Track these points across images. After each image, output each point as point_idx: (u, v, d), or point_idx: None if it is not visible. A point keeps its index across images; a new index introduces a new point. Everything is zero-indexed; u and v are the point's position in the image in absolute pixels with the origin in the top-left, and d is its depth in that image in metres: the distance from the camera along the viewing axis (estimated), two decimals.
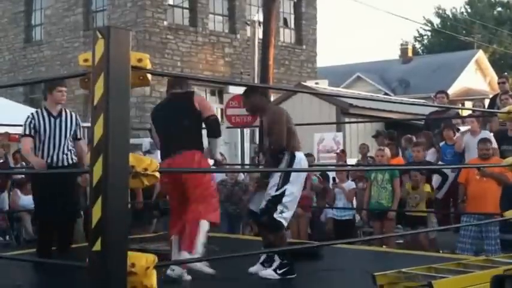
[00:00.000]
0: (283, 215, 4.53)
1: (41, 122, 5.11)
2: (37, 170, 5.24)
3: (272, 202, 4.52)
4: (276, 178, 4.56)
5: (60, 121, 5.16)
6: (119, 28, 2.26)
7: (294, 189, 4.56)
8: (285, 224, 4.62)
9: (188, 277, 4.24)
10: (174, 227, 4.55)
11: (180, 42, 17.90)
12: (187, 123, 4.45)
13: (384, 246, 6.99)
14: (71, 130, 5.24)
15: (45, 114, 5.14)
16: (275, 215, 4.51)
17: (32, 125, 5.10)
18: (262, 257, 4.69)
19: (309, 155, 8.54)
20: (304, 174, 4.81)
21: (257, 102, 4.72)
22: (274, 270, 4.58)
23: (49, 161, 5.10)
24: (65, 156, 5.16)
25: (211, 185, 4.62)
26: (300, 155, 4.64)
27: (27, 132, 5.12)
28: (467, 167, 6.89)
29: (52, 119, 5.13)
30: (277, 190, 4.51)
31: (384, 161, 7.10)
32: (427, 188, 7.06)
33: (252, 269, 4.65)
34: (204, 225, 4.31)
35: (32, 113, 5.23)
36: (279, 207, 4.50)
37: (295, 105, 12.06)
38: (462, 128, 7.70)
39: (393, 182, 7.02)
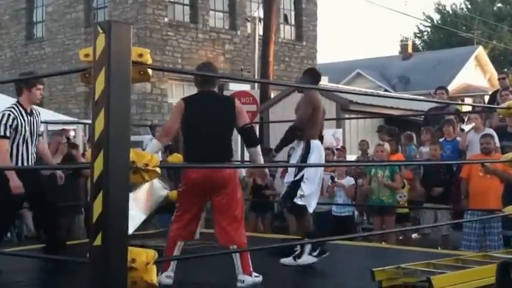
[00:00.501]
0: (304, 200, 4.73)
1: (21, 120, 4.65)
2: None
3: (292, 188, 4.74)
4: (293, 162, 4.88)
5: (33, 119, 4.75)
6: (120, 22, 2.26)
7: (311, 175, 4.78)
8: (309, 209, 4.81)
9: (259, 278, 4.09)
10: (181, 230, 4.17)
11: (180, 39, 17.90)
12: (229, 132, 4.16)
13: (383, 243, 7.00)
14: (39, 128, 4.89)
15: (22, 111, 4.68)
16: (295, 200, 4.72)
17: (14, 125, 4.59)
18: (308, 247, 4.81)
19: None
20: (322, 159, 4.95)
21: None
22: (294, 258, 4.76)
23: (24, 163, 4.66)
24: (33, 156, 4.78)
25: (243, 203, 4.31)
26: (314, 142, 4.87)
27: (7, 134, 4.56)
28: (468, 162, 6.89)
29: (28, 117, 4.71)
30: (295, 176, 4.75)
31: (383, 156, 7.10)
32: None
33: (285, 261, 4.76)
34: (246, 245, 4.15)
35: (11, 110, 4.65)
36: (299, 192, 4.71)
37: (295, 102, 11.96)
38: (466, 127, 7.65)
39: (394, 178, 7.05)
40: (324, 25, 70.75)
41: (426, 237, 7.19)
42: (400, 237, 7.46)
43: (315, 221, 7.99)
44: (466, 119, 8.74)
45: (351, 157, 10.29)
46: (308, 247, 4.73)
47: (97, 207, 2.16)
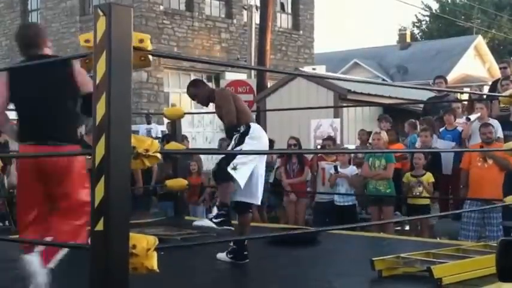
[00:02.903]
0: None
1: None
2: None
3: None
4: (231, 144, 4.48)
5: None
6: (121, 5, 2.24)
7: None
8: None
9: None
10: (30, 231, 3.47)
11: (176, 27, 17.80)
12: (63, 105, 3.44)
13: (381, 233, 6.96)
14: None
15: None
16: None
17: None
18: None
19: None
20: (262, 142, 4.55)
21: (205, 91, 4.69)
22: (226, 253, 4.52)
23: None
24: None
25: (88, 199, 3.16)
26: (254, 125, 4.55)
27: None
28: (467, 151, 6.88)
29: None
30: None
31: (380, 144, 7.03)
32: (430, 177, 7.02)
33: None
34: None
35: None
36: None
37: (292, 92, 11.98)
38: (472, 117, 7.62)
39: (387, 166, 6.98)
40: (321, 14, 70.53)
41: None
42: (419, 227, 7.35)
43: (317, 210, 7.99)
44: (464, 109, 8.70)
45: (349, 147, 10.28)
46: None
47: (99, 192, 2.17)
